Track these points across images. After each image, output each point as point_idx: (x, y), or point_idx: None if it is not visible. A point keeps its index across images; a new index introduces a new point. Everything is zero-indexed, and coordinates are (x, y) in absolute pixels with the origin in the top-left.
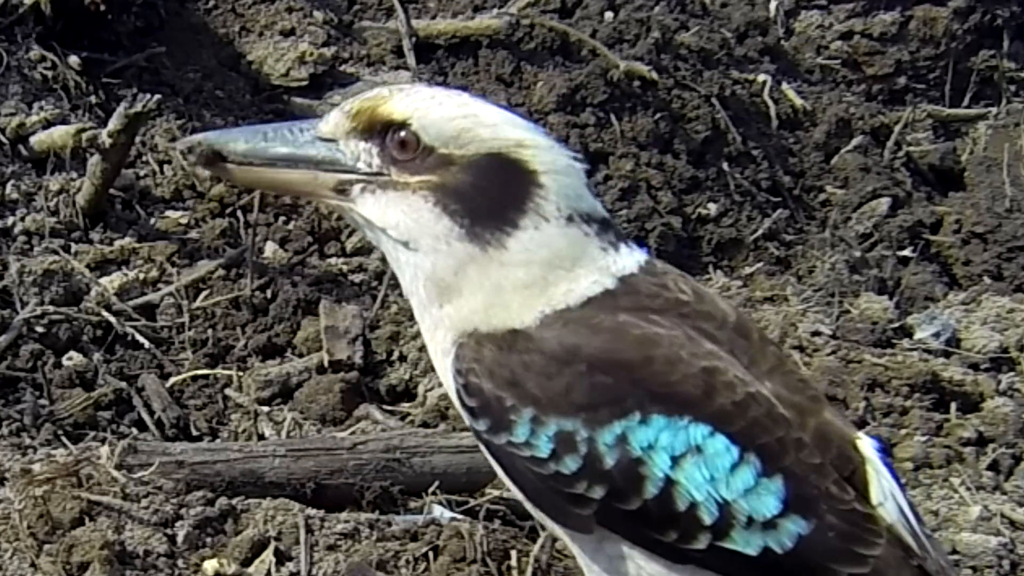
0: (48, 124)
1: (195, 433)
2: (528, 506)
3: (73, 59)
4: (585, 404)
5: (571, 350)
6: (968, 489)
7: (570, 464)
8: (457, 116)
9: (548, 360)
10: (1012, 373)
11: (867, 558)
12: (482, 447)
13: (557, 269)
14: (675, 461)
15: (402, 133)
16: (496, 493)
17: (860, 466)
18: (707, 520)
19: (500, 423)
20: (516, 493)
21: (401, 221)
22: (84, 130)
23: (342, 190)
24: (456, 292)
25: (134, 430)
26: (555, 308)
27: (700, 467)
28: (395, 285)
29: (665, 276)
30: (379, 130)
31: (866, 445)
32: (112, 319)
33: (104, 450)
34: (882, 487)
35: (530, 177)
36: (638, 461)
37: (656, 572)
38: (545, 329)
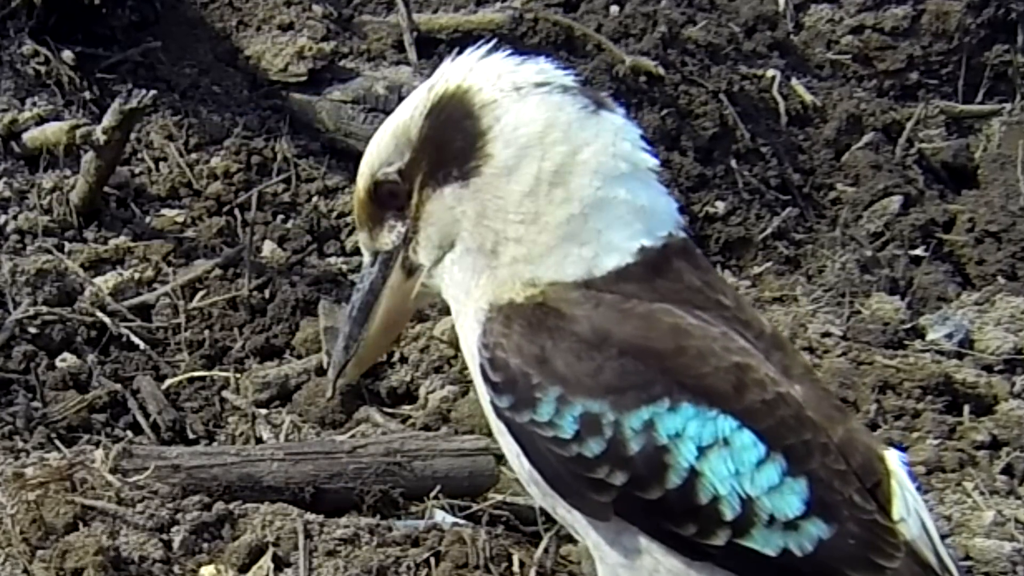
0: (41, 120)
1: (191, 436)
2: (541, 496)
3: (67, 54)
4: (613, 387)
5: (602, 333)
6: (982, 494)
7: (593, 447)
8: (383, 135)
9: (578, 340)
10: None
11: (885, 569)
12: (502, 425)
13: (552, 145)
14: (701, 452)
15: (382, 190)
16: (499, 498)
17: (884, 479)
18: (728, 515)
19: (524, 400)
20: (529, 485)
21: (434, 231)
22: (78, 127)
23: (410, 271)
24: (491, 243)
25: (129, 433)
26: (593, 265)
27: (726, 460)
28: None
29: (710, 274)
30: (376, 208)
31: (892, 458)
32: (107, 320)
33: (98, 454)
34: (906, 502)
35: (458, 95)
36: (663, 449)
37: (673, 567)
38: (577, 308)
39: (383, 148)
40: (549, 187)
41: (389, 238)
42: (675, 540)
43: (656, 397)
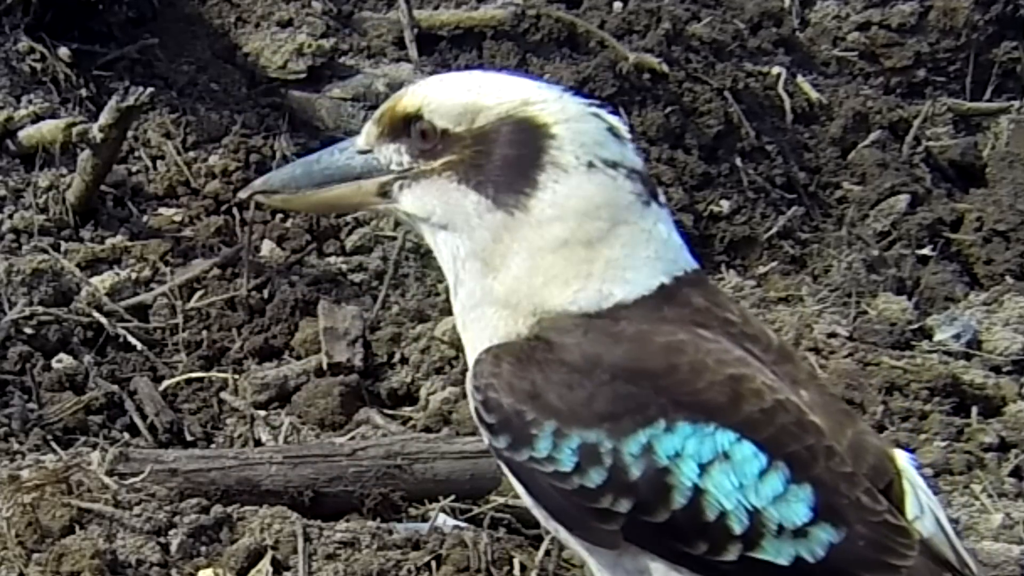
0: (37, 118)
1: (189, 438)
2: (550, 524)
3: (63, 51)
4: (608, 414)
5: (592, 359)
6: (990, 496)
7: (595, 477)
8: (460, 92)
9: (569, 370)
10: None
11: (899, 568)
12: (503, 466)
13: (595, 220)
14: (703, 469)
15: (419, 124)
16: (501, 500)
17: (896, 479)
18: (737, 529)
19: (521, 438)
20: (537, 512)
21: (436, 206)
22: (74, 124)
23: (384, 193)
24: (499, 263)
25: (126, 435)
26: (606, 296)
27: (728, 474)
28: (396, 285)
29: (718, 295)
30: (402, 127)
31: (902, 458)
32: (103, 320)
33: (95, 456)
34: (918, 501)
35: (541, 131)
36: (665, 471)
37: None
38: (567, 336)
39: (448, 100)
40: (577, 243)
41: (388, 155)
42: (687, 560)
43: (652, 419)
